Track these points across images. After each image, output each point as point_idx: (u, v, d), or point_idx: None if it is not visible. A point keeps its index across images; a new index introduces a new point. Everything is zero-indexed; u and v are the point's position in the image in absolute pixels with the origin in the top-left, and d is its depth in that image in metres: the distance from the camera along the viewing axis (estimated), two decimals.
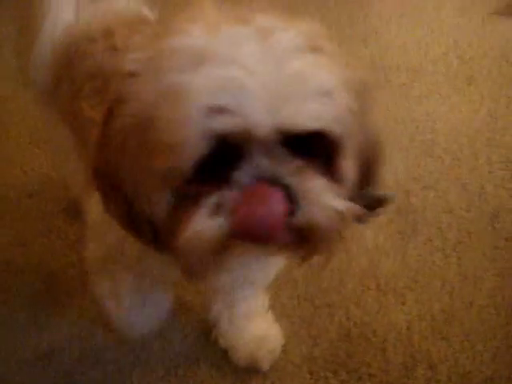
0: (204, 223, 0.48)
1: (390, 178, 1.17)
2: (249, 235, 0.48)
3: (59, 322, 0.97)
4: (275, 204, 0.47)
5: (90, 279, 0.81)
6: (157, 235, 0.55)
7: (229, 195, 0.48)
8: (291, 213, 0.48)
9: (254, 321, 0.91)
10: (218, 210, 0.48)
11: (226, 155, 0.48)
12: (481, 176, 1.15)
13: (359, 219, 0.54)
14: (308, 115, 0.48)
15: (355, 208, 0.52)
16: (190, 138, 0.46)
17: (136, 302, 0.81)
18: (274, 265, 0.75)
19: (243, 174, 0.48)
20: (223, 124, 0.46)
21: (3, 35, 1.56)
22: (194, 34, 0.49)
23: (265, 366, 0.89)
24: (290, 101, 0.47)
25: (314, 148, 0.50)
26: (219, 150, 0.47)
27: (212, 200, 0.48)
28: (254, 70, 0.46)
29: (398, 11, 1.93)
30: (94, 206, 0.69)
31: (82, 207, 0.84)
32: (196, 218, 0.48)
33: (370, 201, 0.59)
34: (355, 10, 1.97)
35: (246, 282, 0.75)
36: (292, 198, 0.48)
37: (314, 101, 0.48)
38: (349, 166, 0.53)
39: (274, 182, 0.48)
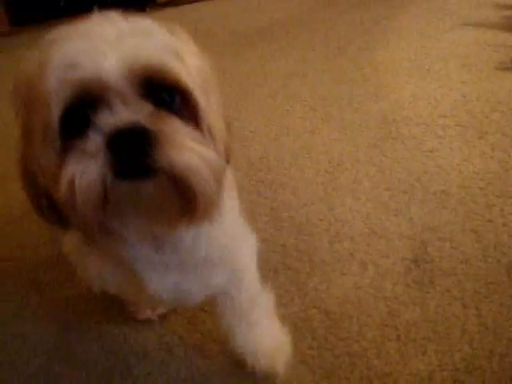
0: (73, 169, 0.54)
1: (407, 227, 1.19)
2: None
3: None
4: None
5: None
6: (61, 215, 0.59)
7: (93, 139, 0.54)
8: (150, 151, 0.53)
9: (265, 326, 0.93)
10: (84, 155, 0.54)
11: (88, 107, 0.55)
12: (495, 227, 1.17)
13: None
14: (152, 60, 0.56)
15: (216, 158, 0.58)
16: (52, 92, 0.54)
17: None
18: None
19: (103, 121, 0.55)
20: (77, 75, 0.53)
21: None
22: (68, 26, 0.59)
23: (282, 369, 0.91)
24: (137, 52, 0.55)
25: (175, 102, 0.58)
26: (82, 102, 0.55)
27: (79, 146, 0.55)
28: (105, 36, 0.56)
29: (407, 67, 1.99)
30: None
31: None
32: (67, 166, 0.54)
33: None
34: (366, 67, 2.04)
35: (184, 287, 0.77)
36: (150, 140, 0.54)
37: (159, 48, 0.57)
38: (214, 123, 0.60)
39: (131, 125, 0.54)
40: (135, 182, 0.55)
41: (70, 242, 0.81)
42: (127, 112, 0.55)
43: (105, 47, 0.55)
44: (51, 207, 0.60)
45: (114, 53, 0.55)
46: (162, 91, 0.57)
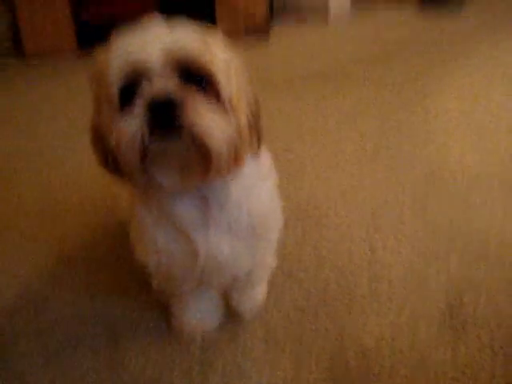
0: (120, 124, 0.74)
1: (445, 275, 1.25)
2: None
3: None
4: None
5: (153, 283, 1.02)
6: (114, 161, 0.79)
7: (137, 105, 0.73)
8: (176, 116, 0.72)
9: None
10: (130, 115, 0.74)
11: (137, 83, 0.75)
12: None
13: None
14: (185, 49, 0.75)
15: (228, 128, 0.76)
16: (114, 73, 0.75)
17: (194, 303, 1.10)
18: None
19: (145, 90, 0.74)
20: (130, 60, 0.74)
21: None
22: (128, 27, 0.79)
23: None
24: (175, 43, 0.75)
25: (202, 83, 0.76)
26: (134, 80, 0.75)
27: (127, 110, 0.74)
28: (153, 33, 0.76)
29: (458, 118, 2.06)
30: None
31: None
32: (117, 123, 0.74)
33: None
34: (418, 112, 2.10)
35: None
36: (177, 105, 0.72)
37: (192, 42, 0.76)
38: (233, 101, 0.78)
39: (163, 93, 0.73)
40: (165, 136, 0.73)
41: (132, 216, 0.98)
42: (163, 85, 0.74)
43: (152, 40, 0.75)
44: (113, 160, 0.79)
45: (158, 44, 0.74)
46: (192, 72, 0.76)
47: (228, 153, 0.77)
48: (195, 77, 0.76)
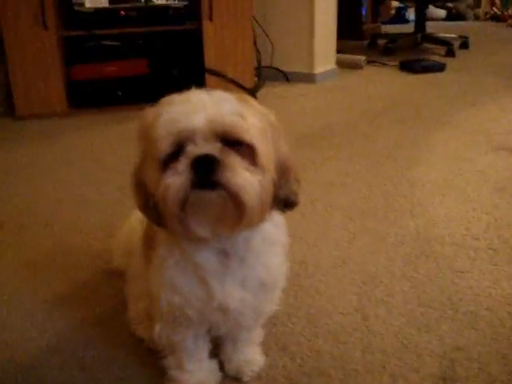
0: (168, 179, 0.84)
1: (437, 344, 1.26)
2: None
3: None
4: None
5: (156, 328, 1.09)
6: (157, 211, 0.89)
7: (182, 162, 0.84)
8: (216, 173, 0.83)
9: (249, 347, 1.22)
10: (176, 172, 0.84)
11: (182, 145, 0.85)
12: None
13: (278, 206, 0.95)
14: (225, 122, 0.86)
15: (260, 185, 0.86)
16: (161, 137, 0.86)
17: (194, 362, 1.14)
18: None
19: (190, 151, 0.85)
20: (177, 127, 0.85)
21: None
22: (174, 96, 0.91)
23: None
24: (217, 116, 0.86)
25: (240, 147, 0.86)
26: (179, 143, 0.85)
27: (173, 167, 0.85)
28: (199, 103, 0.87)
29: (442, 187, 2.12)
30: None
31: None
32: (165, 178, 0.85)
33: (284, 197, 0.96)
34: (403, 183, 2.17)
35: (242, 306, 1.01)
36: (217, 164, 0.83)
37: (230, 114, 0.86)
38: (265, 163, 0.88)
39: (206, 154, 0.84)
40: (205, 191, 0.84)
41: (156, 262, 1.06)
42: (205, 147, 0.85)
43: (195, 110, 0.86)
44: (153, 207, 0.89)
45: (201, 114, 0.85)
46: (230, 138, 0.86)
47: (258, 207, 0.87)
48: (233, 142, 0.86)
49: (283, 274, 1.09)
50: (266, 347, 1.27)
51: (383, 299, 1.45)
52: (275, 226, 1.03)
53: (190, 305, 1.00)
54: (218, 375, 1.19)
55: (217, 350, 1.21)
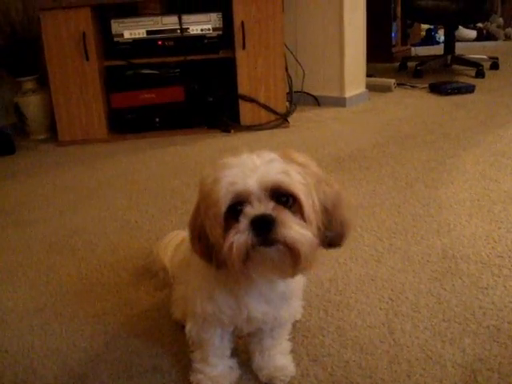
0: (233, 237, 0.96)
1: (459, 356, 1.34)
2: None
3: None
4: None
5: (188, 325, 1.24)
6: (217, 258, 1.03)
7: (243, 223, 0.97)
8: (273, 231, 0.95)
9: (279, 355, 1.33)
10: (237, 231, 0.96)
11: (240, 205, 0.98)
12: None
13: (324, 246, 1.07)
14: (274, 180, 0.98)
15: (311, 236, 0.99)
16: (221, 198, 0.98)
17: (218, 358, 1.28)
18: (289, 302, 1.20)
19: (248, 212, 0.97)
20: (235, 189, 0.97)
21: None
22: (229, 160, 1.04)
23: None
24: (266, 176, 0.98)
25: (289, 202, 0.99)
26: (237, 203, 0.98)
27: (236, 227, 0.97)
28: (251, 166, 1.00)
29: (468, 207, 2.19)
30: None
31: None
32: (229, 236, 0.97)
33: (331, 237, 1.08)
34: (431, 204, 2.24)
35: (271, 316, 1.18)
36: (273, 222, 0.96)
37: (277, 174, 0.99)
38: (311, 214, 1.00)
39: (262, 214, 0.96)
40: (265, 247, 0.97)
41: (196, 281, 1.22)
42: (261, 207, 0.97)
43: (249, 173, 0.98)
44: (211, 253, 1.05)
45: (254, 176, 0.98)
46: (281, 196, 0.99)
47: (311, 255, 0.99)
48: (282, 198, 0.99)
49: (301, 286, 1.25)
50: (297, 358, 1.36)
51: (409, 314, 1.53)
52: None
53: (223, 312, 1.16)
54: (237, 372, 1.31)
55: (237, 349, 1.36)
